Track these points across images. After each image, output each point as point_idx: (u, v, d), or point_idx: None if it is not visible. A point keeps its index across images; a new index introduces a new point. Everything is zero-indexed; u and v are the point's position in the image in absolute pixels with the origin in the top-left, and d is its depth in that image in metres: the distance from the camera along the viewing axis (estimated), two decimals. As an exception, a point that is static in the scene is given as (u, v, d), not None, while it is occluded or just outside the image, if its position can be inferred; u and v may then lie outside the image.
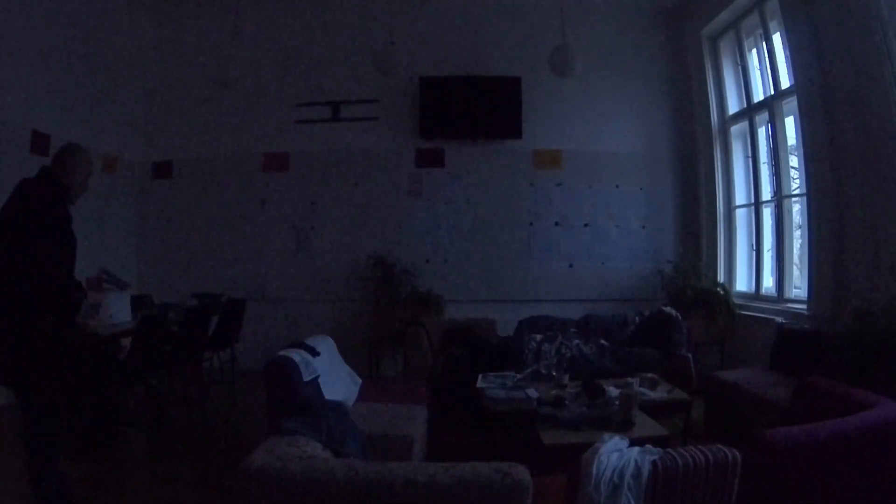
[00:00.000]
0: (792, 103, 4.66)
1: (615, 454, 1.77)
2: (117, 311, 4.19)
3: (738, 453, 1.70)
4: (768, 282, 5.35)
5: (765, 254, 5.40)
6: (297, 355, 3.03)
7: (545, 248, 6.24)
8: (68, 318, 2.45)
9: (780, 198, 5.03)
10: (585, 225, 6.24)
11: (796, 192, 4.97)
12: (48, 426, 2.38)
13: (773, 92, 5.04)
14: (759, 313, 5.01)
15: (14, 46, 4.62)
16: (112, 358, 3.63)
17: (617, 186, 6.25)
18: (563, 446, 2.55)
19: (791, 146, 4.99)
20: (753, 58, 5.53)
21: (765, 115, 5.26)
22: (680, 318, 4.75)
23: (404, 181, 6.26)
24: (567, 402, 3.04)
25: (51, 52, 5.00)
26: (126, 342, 3.83)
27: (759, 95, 5.39)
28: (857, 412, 2.19)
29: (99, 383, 3.37)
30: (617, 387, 3.16)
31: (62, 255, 2.46)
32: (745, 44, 5.55)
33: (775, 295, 5.06)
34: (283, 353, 3.02)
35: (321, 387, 3.06)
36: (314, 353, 3.25)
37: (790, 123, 4.90)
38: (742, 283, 5.71)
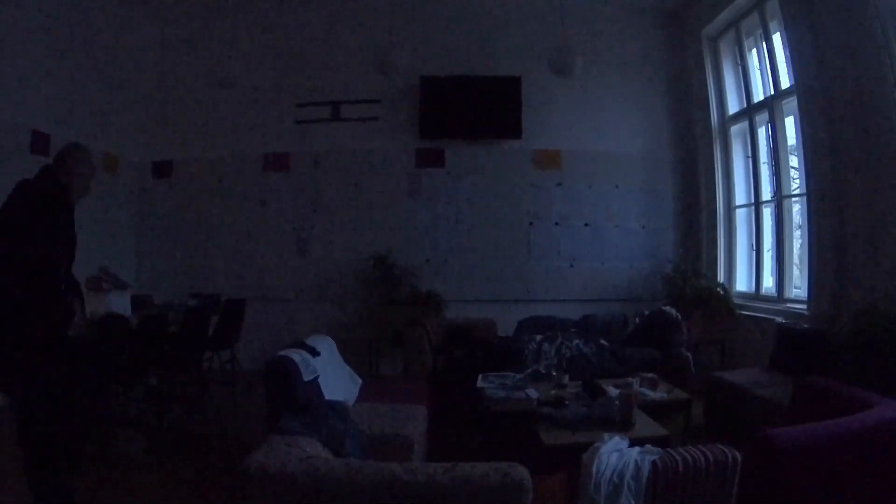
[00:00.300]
0: (792, 103, 4.66)
1: (615, 454, 1.77)
2: (117, 311, 4.19)
3: (738, 453, 1.70)
4: (768, 282, 5.34)
5: (765, 254, 5.40)
6: (297, 355, 3.03)
7: (545, 248, 6.24)
8: (61, 325, 2.44)
9: (780, 198, 5.03)
10: (585, 225, 6.24)
11: (796, 192, 4.97)
12: (44, 431, 2.37)
13: (773, 92, 5.04)
14: (759, 313, 5.01)
15: (14, 46, 4.61)
16: (103, 366, 3.60)
17: (617, 186, 6.25)
18: (563, 446, 2.55)
19: (791, 146, 4.99)
20: (753, 58, 5.52)
21: (765, 115, 5.26)
22: (680, 318, 4.75)
23: (404, 181, 6.26)
24: (567, 402, 3.04)
25: (51, 52, 5.00)
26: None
27: (759, 95, 5.39)
28: (857, 412, 2.19)
29: (87, 391, 3.34)
30: (617, 387, 3.16)
31: (59, 258, 2.45)
32: (745, 44, 5.54)
33: (775, 295, 5.06)
34: (283, 353, 3.02)
35: (321, 387, 3.06)
36: (314, 353, 3.25)
37: (790, 123, 4.90)
38: (742, 283, 5.71)
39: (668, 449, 1.76)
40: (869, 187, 3.79)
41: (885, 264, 3.65)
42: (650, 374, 3.65)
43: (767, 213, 5.37)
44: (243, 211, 6.31)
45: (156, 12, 6.26)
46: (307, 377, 2.97)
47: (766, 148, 5.41)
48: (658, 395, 3.41)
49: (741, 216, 5.80)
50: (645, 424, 2.81)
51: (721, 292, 5.47)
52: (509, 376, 3.71)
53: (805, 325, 4.16)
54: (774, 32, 4.95)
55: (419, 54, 6.02)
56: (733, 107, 5.79)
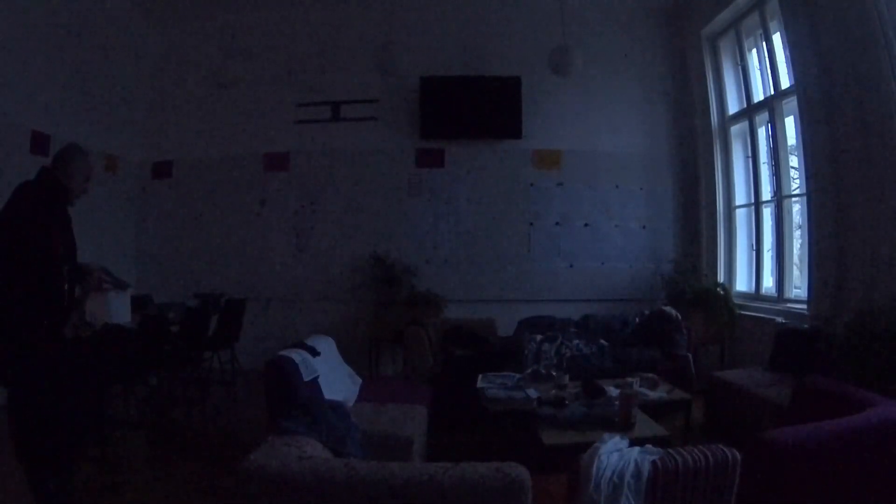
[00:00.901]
0: (792, 103, 4.66)
1: (615, 454, 1.77)
2: (117, 311, 4.18)
3: (738, 453, 1.70)
4: (768, 282, 5.34)
5: (765, 254, 5.40)
6: (297, 355, 3.03)
7: (545, 248, 6.23)
8: (59, 324, 2.44)
9: (780, 198, 5.03)
10: (585, 225, 6.24)
11: (796, 192, 4.97)
12: (43, 430, 2.37)
13: (773, 92, 5.03)
14: (759, 313, 5.01)
15: (14, 46, 4.61)
16: (103, 366, 3.59)
17: (617, 186, 6.25)
18: (563, 446, 2.55)
19: (791, 146, 4.99)
20: (753, 58, 5.52)
21: (765, 115, 5.26)
22: (680, 318, 4.75)
23: (404, 181, 6.26)
24: (567, 402, 3.04)
25: (51, 52, 5.00)
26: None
27: (759, 95, 5.39)
28: (857, 412, 2.19)
29: (85, 390, 3.33)
30: (617, 387, 3.16)
31: (61, 258, 2.45)
32: (745, 44, 5.54)
33: (775, 295, 5.06)
34: (283, 353, 3.03)
35: (321, 387, 3.07)
36: (314, 353, 3.26)
37: (790, 123, 4.90)
38: (742, 283, 5.71)
39: (668, 449, 1.76)
40: (869, 187, 3.79)
41: (884, 264, 3.65)
42: (650, 374, 3.66)
43: (767, 213, 5.37)
44: (243, 211, 6.31)
45: (156, 12, 6.25)
46: (307, 377, 2.97)
47: (766, 148, 5.41)
48: (658, 395, 3.41)
49: (741, 216, 5.80)
50: (645, 424, 2.82)
51: (721, 292, 5.46)
52: (509, 376, 3.71)
53: (805, 325, 4.16)
54: (774, 32, 4.95)
55: (419, 54, 6.01)
56: (733, 107, 5.78)
